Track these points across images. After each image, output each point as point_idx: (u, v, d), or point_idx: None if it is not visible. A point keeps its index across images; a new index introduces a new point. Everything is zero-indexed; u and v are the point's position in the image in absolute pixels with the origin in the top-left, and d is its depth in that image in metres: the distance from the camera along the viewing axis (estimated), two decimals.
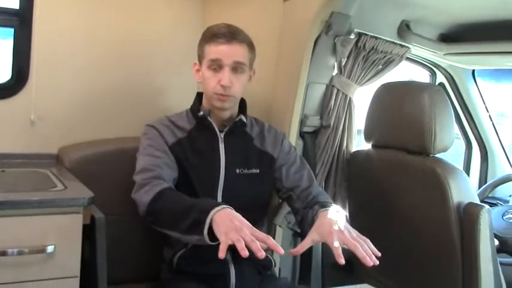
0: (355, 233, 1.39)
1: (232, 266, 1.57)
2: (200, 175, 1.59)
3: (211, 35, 1.58)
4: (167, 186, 1.49)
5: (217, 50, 1.56)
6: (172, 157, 1.59)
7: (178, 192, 1.50)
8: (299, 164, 1.72)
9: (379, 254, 1.34)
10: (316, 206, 1.56)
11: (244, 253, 1.19)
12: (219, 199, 1.58)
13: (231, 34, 1.56)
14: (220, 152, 1.62)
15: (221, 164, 1.61)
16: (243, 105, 1.70)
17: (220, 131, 1.64)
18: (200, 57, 1.63)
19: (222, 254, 1.21)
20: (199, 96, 1.70)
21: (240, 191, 1.61)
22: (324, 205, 1.54)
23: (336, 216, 1.45)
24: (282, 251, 1.27)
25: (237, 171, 1.62)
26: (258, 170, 1.66)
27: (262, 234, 1.26)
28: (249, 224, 1.29)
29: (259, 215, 1.68)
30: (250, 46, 1.62)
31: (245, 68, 1.60)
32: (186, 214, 1.36)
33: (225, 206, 1.33)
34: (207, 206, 1.33)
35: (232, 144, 1.65)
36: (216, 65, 1.57)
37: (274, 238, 1.93)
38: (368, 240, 1.37)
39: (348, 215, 2.14)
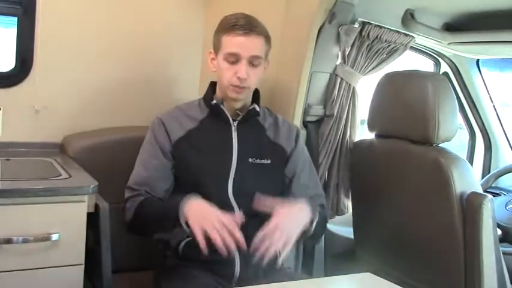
0: (286, 235, 1.40)
1: (237, 254, 1.57)
2: (212, 163, 1.59)
3: (229, 26, 1.56)
4: (142, 200, 1.55)
5: (235, 43, 1.55)
6: (169, 162, 1.60)
7: (151, 202, 1.55)
8: (308, 171, 1.73)
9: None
10: None
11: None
12: (230, 188, 1.58)
13: (249, 26, 1.55)
14: (233, 141, 1.62)
15: (233, 152, 1.61)
16: (256, 95, 1.69)
17: (234, 120, 1.64)
18: (216, 47, 1.61)
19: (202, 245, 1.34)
20: (213, 85, 1.69)
21: (251, 180, 1.60)
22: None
23: (295, 212, 1.48)
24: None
25: (250, 160, 1.62)
26: (269, 161, 1.65)
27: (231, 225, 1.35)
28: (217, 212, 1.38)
29: None
30: (267, 38, 1.61)
31: (261, 61, 1.60)
32: (162, 219, 1.48)
33: (191, 198, 1.42)
34: (175, 204, 1.43)
35: (245, 133, 1.64)
36: (234, 59, 1.56)
37: None
38: (274, 247, 1.38)
39: (351, 204, 2.15)
